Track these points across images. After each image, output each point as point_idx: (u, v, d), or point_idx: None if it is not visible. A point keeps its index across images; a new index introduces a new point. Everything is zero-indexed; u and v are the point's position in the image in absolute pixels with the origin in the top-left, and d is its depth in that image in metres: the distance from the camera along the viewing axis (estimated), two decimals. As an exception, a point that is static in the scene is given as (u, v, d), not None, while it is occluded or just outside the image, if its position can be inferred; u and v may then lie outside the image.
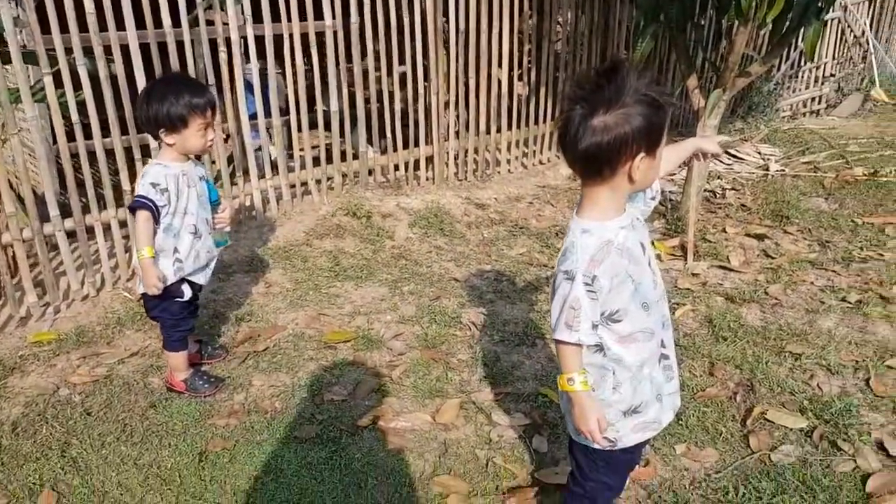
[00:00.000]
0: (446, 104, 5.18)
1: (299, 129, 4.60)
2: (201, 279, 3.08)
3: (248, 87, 4.50)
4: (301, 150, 4.65)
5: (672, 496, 2.61)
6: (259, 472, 2.67)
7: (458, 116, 5.25)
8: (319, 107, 4.74)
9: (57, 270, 3.92)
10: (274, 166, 4.58)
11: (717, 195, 5.56)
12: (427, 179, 5.29)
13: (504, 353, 3.44)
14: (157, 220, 2.85)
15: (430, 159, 5.27)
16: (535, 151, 5.94)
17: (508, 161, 5.77)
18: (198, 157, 3.06)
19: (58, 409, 2.98)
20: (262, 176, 4.52)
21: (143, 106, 2.79)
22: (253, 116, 4.48)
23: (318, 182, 4.71)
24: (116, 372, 3.22)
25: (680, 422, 2.97)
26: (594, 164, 1.75)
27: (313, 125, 4.79)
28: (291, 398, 3.08)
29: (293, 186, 4.65)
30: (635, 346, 1.93)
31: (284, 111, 4.56)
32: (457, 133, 5.29)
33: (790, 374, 3.28)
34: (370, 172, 5.00)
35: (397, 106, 4.96)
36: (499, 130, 5.59)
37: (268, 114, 4.50)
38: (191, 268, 2.98)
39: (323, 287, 3.92)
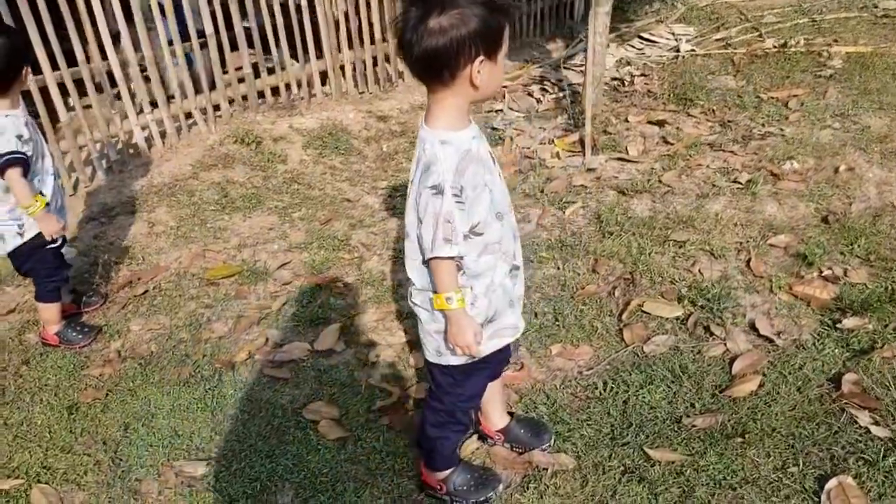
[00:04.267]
0: (336, 19, 4.96)
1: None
2: (62, 221, 2.99)
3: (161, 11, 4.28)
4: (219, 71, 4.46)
5: (543, 397, 2.65)
6: (130, 419, 2.66)
7: (348, 26, 5.04)
8: (192, 24, 4.44)
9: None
10: (153, 101, 4.39)
11: (626, 83, 5.46)
12: (326, 95, 5.12)
13: (391, 272, 3.42)
14: (25, 174, 2.74)
15: (326, 74, 5.09)
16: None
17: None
18: None
19: (-73, 377, 2.93)
20: (139, 112, 4.34)
21: None
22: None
23: (204, 111, 4.54)
24: (-10, 332, 3.15)
25: (557, 322, 2.99)
26: (432, 68, 1.72)
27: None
28: (168, 340, 3.04)
29: (176, 119, 4.47)
30: (490, 259, 1.94)
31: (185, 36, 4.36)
32: (350, 44, 5.09)
33: (672, 263, 3.29)
34: (260, 95, 4.82)
35: (280, 21, 4.73)
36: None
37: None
38: (54, 209, 2.88)
39: (209, 221, 3.83)
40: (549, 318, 3.02)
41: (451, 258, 1.83)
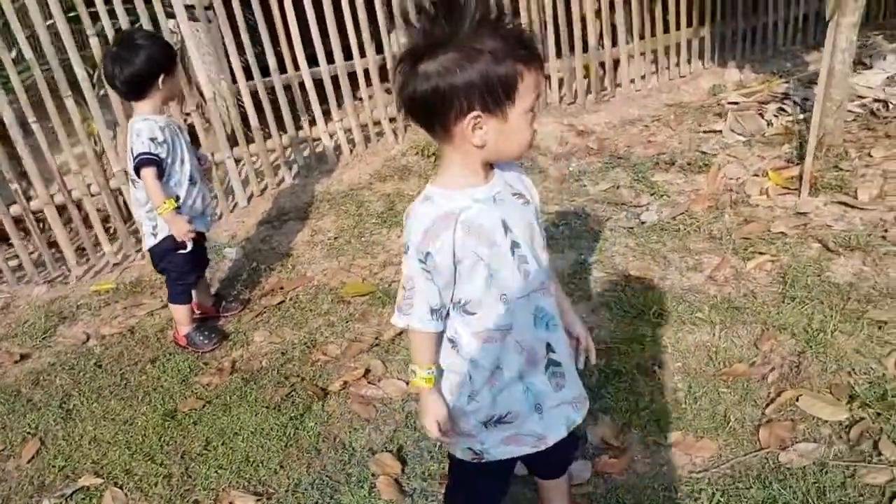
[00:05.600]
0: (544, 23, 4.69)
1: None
2: (201, 227, 3.10)
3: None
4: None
5: (629, 497, 2.21)
6: (214, 435, 2.68)
7: (556, 33, 4.72)
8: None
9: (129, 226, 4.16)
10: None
11: (890, 106, 4.51)
12: (529, 107, 4.86)
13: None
14: (160, 175, 2.89)
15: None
16: (668, 66, 5.23)
17: (633, 80, 5.14)
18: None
19: (78, 360, 3.20)
20: (328, 120, 4.43)
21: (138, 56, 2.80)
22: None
23: (393, 120, 4.52)
24: (142, 324, 3.38)
25: (685, 404, 2.51)
26: (421, 117, 1.49)
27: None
28: (280, 357, 3.04)
29: (364, 127, 4.50)
30: (491, 347, 1.62)
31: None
32: (559, 53, 4.78)
33: (859, 348, 2.61)
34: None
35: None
36: (615, 44, 4.97)
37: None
38: (189, 214, 3.00)
39: (366, 234, 3.79)
40: (678, 397, 2.54)
41: (413, 329, 1.60)
